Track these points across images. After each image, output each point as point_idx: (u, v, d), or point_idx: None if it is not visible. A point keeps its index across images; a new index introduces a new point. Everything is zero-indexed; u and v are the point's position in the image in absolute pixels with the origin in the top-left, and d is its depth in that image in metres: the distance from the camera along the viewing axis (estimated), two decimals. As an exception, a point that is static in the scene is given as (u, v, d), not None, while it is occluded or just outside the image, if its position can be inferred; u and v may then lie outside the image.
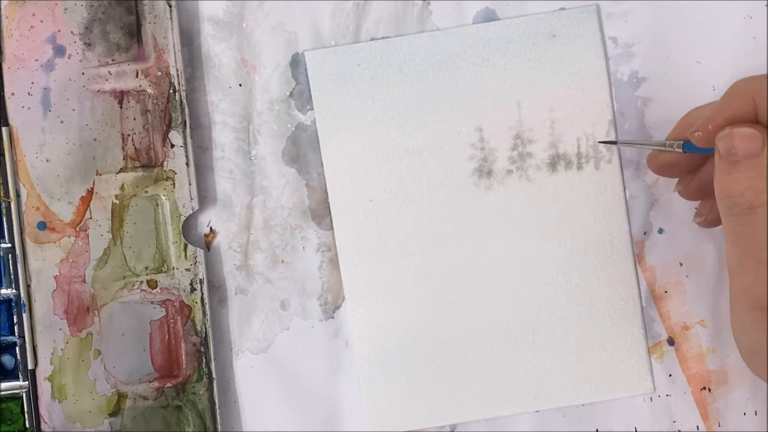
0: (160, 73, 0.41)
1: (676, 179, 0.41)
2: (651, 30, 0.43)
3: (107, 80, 0.41)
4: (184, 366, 0.41)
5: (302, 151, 0.43)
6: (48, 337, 0.41)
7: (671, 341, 0.43)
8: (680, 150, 0.37)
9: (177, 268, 0.41)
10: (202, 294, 0.42)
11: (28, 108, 0.41)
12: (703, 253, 0.43)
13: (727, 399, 0.43)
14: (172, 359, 0.42)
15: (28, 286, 0.41)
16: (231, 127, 0.43)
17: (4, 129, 0.41)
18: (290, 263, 0.43)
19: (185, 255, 0.41)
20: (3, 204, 0.41)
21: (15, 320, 0.41)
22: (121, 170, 0.41)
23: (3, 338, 0.41)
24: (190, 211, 0.42)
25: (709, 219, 0.41)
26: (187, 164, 0.41)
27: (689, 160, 0.39)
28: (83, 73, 0.41)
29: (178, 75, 0.41)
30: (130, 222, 0.41)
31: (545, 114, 0.42)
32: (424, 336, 0.43)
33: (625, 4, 0.43)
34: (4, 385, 0.41)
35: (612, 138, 0.42)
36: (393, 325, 0.43)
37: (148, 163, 0.41)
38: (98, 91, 0.41)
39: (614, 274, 0.43)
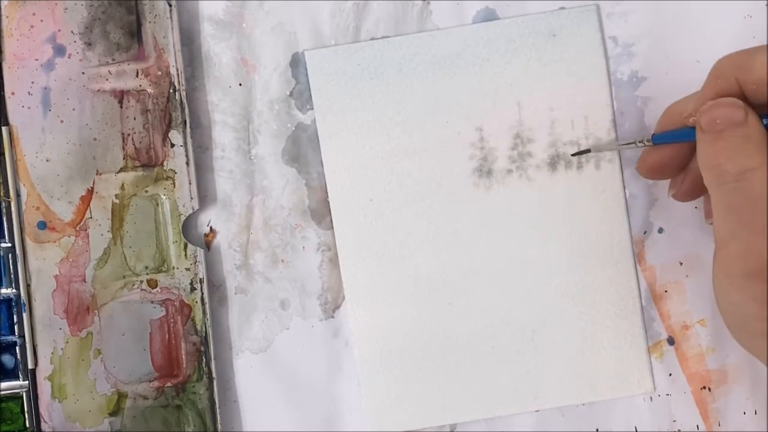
0: (160, 73, 0.41)
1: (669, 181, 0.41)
2: (651, 30, 0.43)
3: (107, 80, 0.41)
4: (184, 366, 0.41)
5: (302, 150, 0.43)
6: (48, 337, 0.41)
7: (671, 341, 0.43)
8: (650, 143, 0.38)
9: (177, 268, 0.41)
10: (202, 293, 0.42)
11: (28, 108, 0.41)
12: (703, 252, 0.43)
13: (727, 398, 0.43)
14: (172, 359, 0.42)
15: (28, 286, 0.41)
16: (231, 126, 0.43)
17: (4, 129, 0.41)
18: (290, 263, 0.43)
19: (185, 254, 0.41)
20: (3, 204, 0.41)
21: (15, 320, 0.41)
22: (121, 170, 0.41)
23: (3, 338, 0.41)
24: (190, 211, 0.42)
25: (683, 191, 0.39)
26: (187, 164, 0.41)
27: (677, 157, 0.38)
28: (83, 73, 0.41)
29: (178, 75, 0.41)
30: (130, 221, 0.41)
31: (545, 114, 0.42)
32: (424, 336, 0.43)
33: (625, 4, 0.43)
34: (4, 384, 0.41)
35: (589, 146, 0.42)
36: (393, 325, 0.43)
37: (148, 162, 0.41)
38: (98, 90, 0.41)
39: (614, 273, 0.43)
